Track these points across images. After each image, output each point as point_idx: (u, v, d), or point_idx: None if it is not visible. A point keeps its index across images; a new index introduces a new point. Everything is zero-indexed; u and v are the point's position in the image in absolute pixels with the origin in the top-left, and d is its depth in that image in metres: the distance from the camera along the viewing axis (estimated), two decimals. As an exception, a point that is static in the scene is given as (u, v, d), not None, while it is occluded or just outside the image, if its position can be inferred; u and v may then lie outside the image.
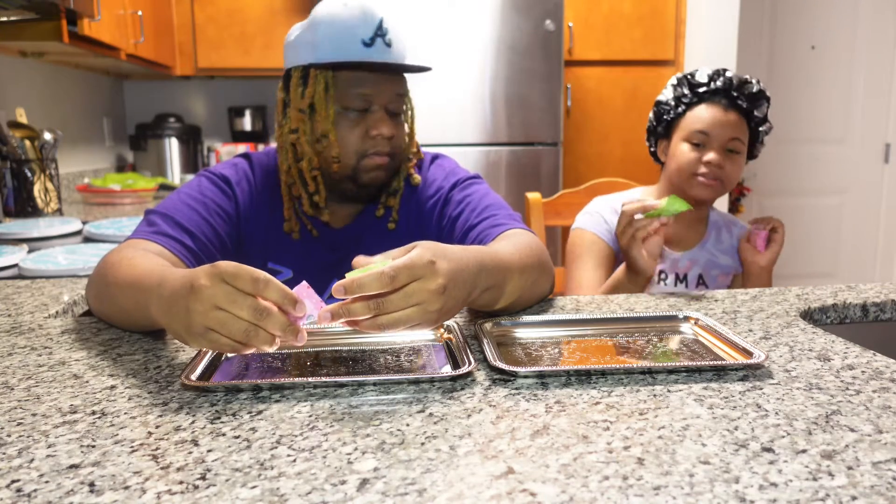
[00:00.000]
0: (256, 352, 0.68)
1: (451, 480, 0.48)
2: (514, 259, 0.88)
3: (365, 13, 1.03)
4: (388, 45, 1.04)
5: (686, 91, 1.42)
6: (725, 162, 1.39)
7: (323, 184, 1.10)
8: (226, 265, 0.64)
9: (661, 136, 1.48)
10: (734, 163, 1.40)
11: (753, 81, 1.40)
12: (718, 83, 1.39)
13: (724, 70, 1.41)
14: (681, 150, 1.41)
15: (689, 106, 1.42)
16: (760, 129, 1.42)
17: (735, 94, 1.39)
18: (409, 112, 1.13)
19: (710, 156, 1.38)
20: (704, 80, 1.41)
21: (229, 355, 0.76)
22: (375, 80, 1.05)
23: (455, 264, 0.71)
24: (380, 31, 1.03)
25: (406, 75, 1.11)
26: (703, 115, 1.39)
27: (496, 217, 1.06)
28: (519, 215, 1.09)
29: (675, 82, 1.45)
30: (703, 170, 1.39)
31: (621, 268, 1.25)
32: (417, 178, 1.16)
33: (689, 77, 1.43)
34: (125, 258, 0.88)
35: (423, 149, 1.23)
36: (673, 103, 1.44)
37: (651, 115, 1.49)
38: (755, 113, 1.40)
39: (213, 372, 0.71)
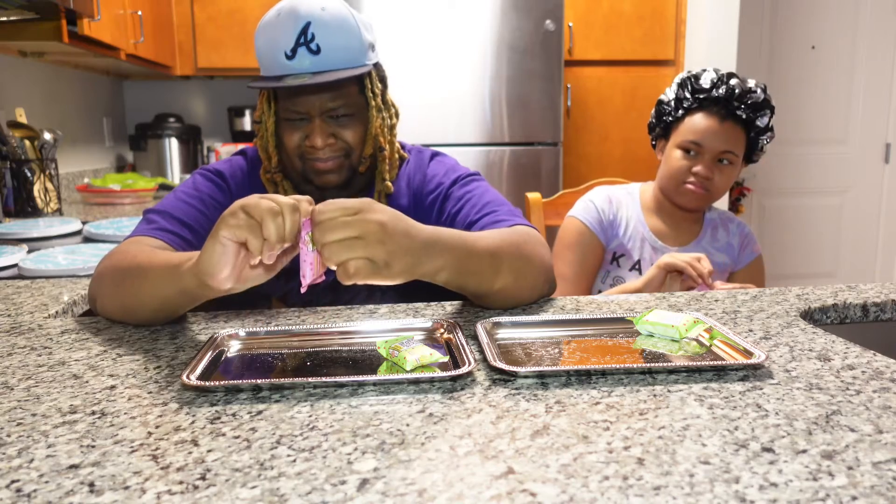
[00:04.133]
0: (262, 252, 0.71)
1: (451, 480, 0.48)
2: (488, 241, 0.88)
3: (289, 20, 0.99)
4: (315, 51, 0.98)
5: (687, 94, 1.41)
6: (714, 173, 1.39)
7: (284, 187, 1.11)
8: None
9: (659, 136, 1.49)
10: (723, 174, 1.40)
11: (758, 91, 1.37)
12: (720, 91, 1.37)
13: (730, 76, 1.38)
14: (673, 156, 1.42)
15: (688, 111, 1.41)
16: (761, 137, 1.42)
17: (736, 103, 1.37)
18: (372, 110, 1.07)
19: (699, 168, 1.38)
20: (707, 85, 1.38)
21: (230, 354, 0.76)
22: (305, 94, 1.03)
23: (398, 218, 0.75)
24: (303, 39, 0.98)
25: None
26: (698, 124, 1.38)
27: (497, 213, 1.06)
28: (520, 211, 1.09)
29: (678, 81, 1.43)
30: (691, 179, 1.40)
31: (635, 284, 1.33)
32: (389, 185, 1.12)
33: (692, 79, 1.41)
34: (142, 248, 0.91)
35: (425, 148, 1.23)
36: (673, 105, 1.43)
37: (653, 111, 1.49)
38: (756, 123, 1.39)
39: (213, 372, 0.71)
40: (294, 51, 0.99)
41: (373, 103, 1.07)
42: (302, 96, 1.03)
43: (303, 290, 0.73)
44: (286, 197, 0.73)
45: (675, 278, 1.29)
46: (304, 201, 0.74)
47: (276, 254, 0.72)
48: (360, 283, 0.73)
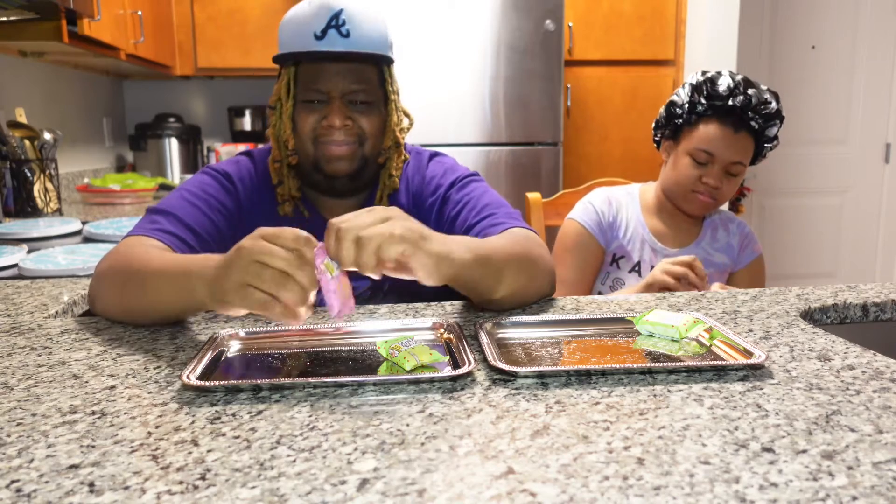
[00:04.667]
0: (289, 315, 0.68)
1: (451, 480, 0.48)
2: (496, 248, 0.88)
3: (322, 7, 1.02)
4: (346, 35, 1.01)
5: (702, 100, 1.37)
6: (723, 183, 1.38)
7: (291, 176, 1.10)
8: (268, 228, 0.70)
9: (667, 136, 1.47)
10: (731, 183, 1.40)
11: (773, 102, 1.35)
12: (737, 101, 1.34)
13: (747, 85, 1.35)
14: (683, 164, 1.40)
15: (701, 117, 1.38)
16: (767, 145, 1.41)
17: (751, 113, 1.35)
18: (392, 105, 1.10)
19: (709, 178, 1.37)
20: (724, 92, 1.35)
21: (230, 354, 0.76)
22: (329, 73, 1.04)
23: (416, 222, 0.76)
24: (334, 23, 1.01)
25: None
26: (711, 134, 1.36)
27: (495, 216, 1.06)
28: (518, 213, 1.09)
29: (694, 83, 1.39)
30: (700, 188, 1.39)
31: (636, 287, 1.33)
32: (396, 181, 1.13)
33: (708, 84, 1.37)
34: (146, 251, 0.90)
35: (424, 148, 1.23)
36: (686, 108, 1.40)
37: (662, 110, 1.46)
38: (766, 133, 1.38)
39: (213, 372, 0.71)
40: (325, 32, 1.01)
41: (392, 97, 1.10)
42: (326, 74, 1.04)
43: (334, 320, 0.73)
44: (283, 253, 0.68)
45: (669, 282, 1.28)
46: (305, 249, 0.70)
47: (304, 309, 0.70)
48: (408, 252, 0.71)
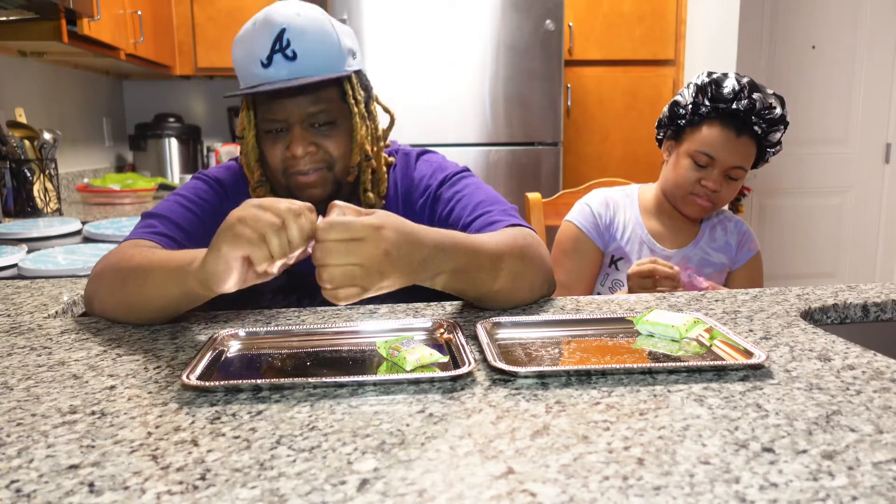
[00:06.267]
0: (268, 262, 0.70)
1: (451, 480, 0.48)
2: (488, 247, 0.87)
3: (264, 28, 0.96)
4: (292, 57, 0.95)
5: (706, 102, 1.36)
6: (722, 187, 1.38)
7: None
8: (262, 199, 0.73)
9: (669, 136, 1.46)
10: (730, 187, 1.39)
11: (777, 107, 1.34)
12: (741, 104, 1.32)
13: (752, 88, 1.34)
14: (682, 165, 1.39)
15: (704, 119, 1.37)
16: (769, 150, 1.41)
17: (755, 118, 1.33)
18: (357, 118, 1.03)
19: (709, 181, 1.36)
20: (728, 95, 1.33)
21: (230, 354, 0.76)
22: (282, 102, 0.98)
23: (405, 237, 0.74)
24: (278, 46, 0.95)
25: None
26: (713, 137, 1.35)
27: (491, 214, 1.03)
28: (515, 208, 1.06)
29: (699, 84, 1.38)
30: (699, 190, 1.39)
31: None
32: (371, 196, 1.08)
33: (712, 86, 1.36)
34: (141, 251, 0.90)
35: (412, 148, 1.20)
36: (690, 109, 1.38)
37: (666, 109, 1.44)
38: (768, 138, 1.37)
39: (213, 372, 0.71)
40: (270, 58, 0.96)
41: (355, 110, 1.03)
42: (279, 102, 0.99)
43: None
44: (285, 202, 0.71)
45: (646, 283, 1.26)
46: (305, 209, 0.72)
47: (279, 264, 0.71)
48: (358, 297, 0.72)
